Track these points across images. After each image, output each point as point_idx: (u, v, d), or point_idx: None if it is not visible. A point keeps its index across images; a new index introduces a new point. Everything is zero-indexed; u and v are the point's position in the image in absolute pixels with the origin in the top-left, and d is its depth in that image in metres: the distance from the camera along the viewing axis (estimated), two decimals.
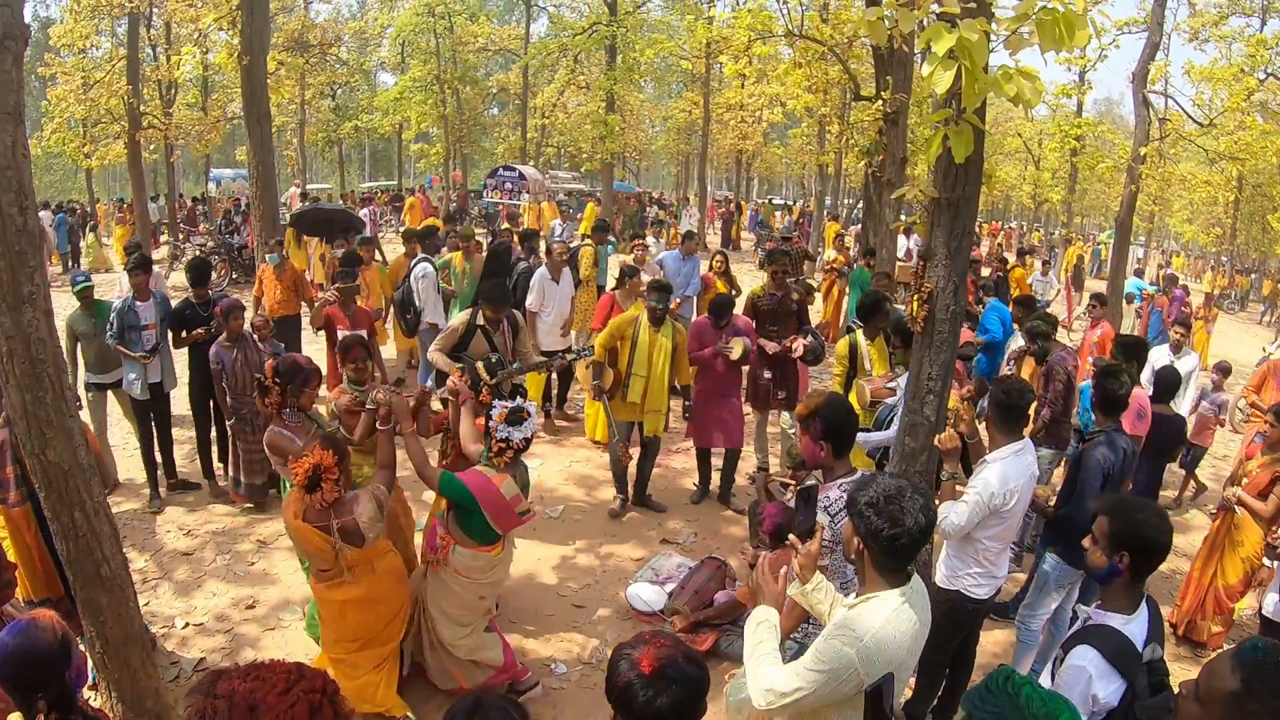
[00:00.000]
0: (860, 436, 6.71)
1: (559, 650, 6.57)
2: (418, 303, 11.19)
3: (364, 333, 9.26)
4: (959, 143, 4.81)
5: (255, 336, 8.71)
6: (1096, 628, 3.56)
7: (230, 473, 8.89)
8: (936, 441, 5.36)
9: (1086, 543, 3.78)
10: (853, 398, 7.93)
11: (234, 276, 21.44)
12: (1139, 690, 3.42)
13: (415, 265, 11.55)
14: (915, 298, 5.51)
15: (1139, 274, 26.59)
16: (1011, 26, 4.50)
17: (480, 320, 8.01)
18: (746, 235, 39.33)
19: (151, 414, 9.09)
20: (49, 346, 4.71)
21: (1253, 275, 42.19)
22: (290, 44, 30.56)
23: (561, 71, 39.83)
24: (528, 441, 5.63)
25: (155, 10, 23.36)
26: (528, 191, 28.93)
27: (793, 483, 7.60)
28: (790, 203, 52.53)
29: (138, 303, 8.88)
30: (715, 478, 9.58)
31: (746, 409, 9.72)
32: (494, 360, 7.81)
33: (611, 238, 14.90)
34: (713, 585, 6.92)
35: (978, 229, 35.19)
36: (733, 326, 8.88)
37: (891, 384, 7.72)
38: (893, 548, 3.20)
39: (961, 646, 5.74)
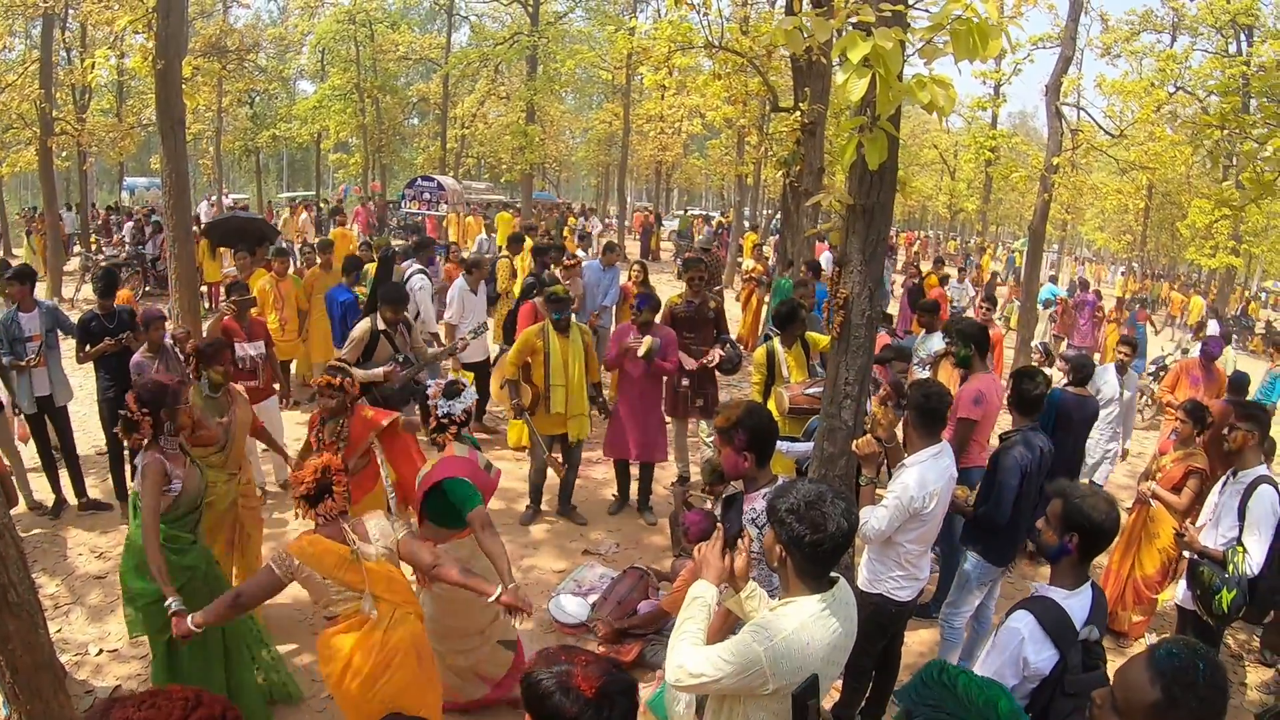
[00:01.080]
0: (784, 446, 6.87)
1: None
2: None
3: (261, 344, 9.24)
4: (873, 149, 4.81)
5: (176, 348, 8.53)
6: (1038, 598, 3.80)
7: None
8: (854, 447, 5.38)
9: (1040, 524, 3.99)
10: (771, 405, 7.99)
11: (147, 288, 20.99)
12: (1071, 664, 3.61)
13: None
14: (830, 303, 5.57)
15: (1053, 280, 27.14)
16: (926, 36, 4.53)
17: (381, 325, 8.24)
18: (666, 245, 39.46)
19: (49, 429, 8.98)
20: None
21: (1162, 280, 43.10)
22: (208, 49, 29.98)
23: (482, 81, 39.61)
24: (468, 414, 5.74)
25: (70, 11, 22.82)
26: (446, 202, 28.72)
27: (711, 496, 7.57)
28: (719, 214, 52.74)
29: (21, 314, 8.67)
30: (633, 488, 9.57)
31: (668, 420, 9.70)
32: (401, 359, 7.96)
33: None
34: (635, 595, 6.91)
35: (894, 238, 35.77)
36: (654, 331, 8.83)
37: (811, 390, 7.79)
38: (815, 554, 3.21)
39: (886, 649, 5.79)
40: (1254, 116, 9.30)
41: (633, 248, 36.64)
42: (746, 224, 34.62)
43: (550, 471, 8.74)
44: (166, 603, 4.86)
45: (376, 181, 40.64)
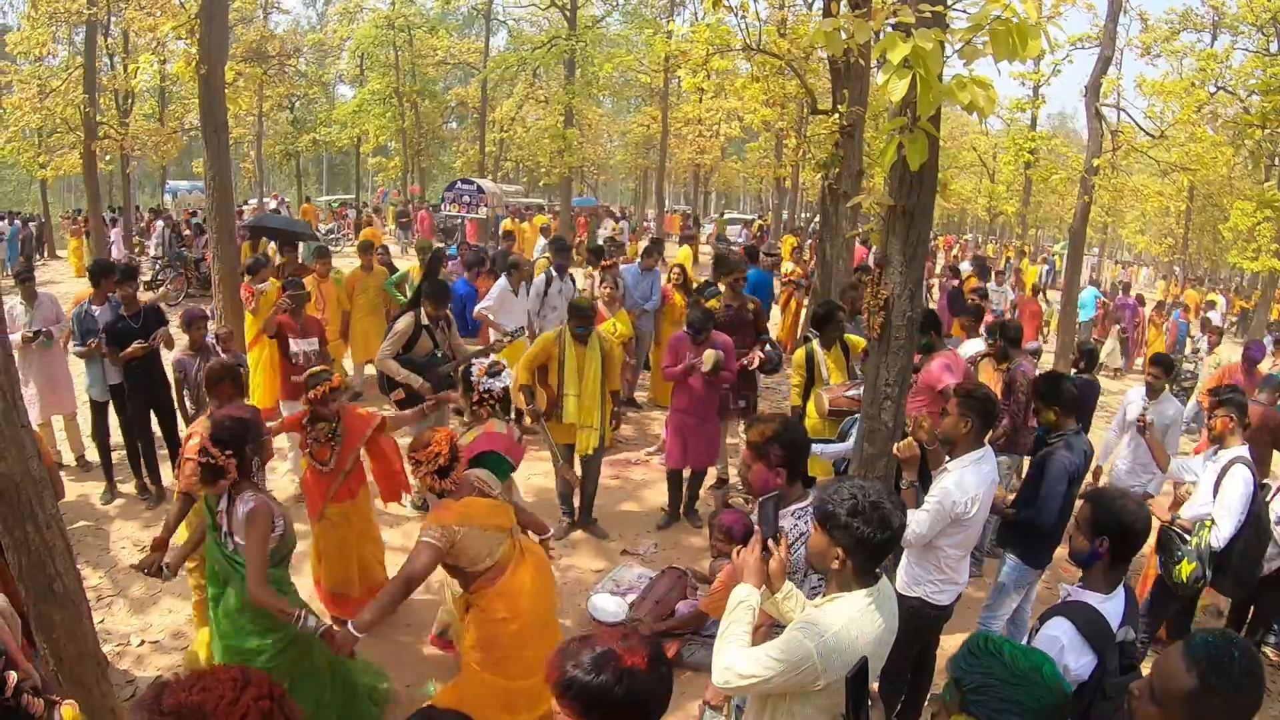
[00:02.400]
0: (819, 448, 6.84)
1: None
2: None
3: (315, 341, 9.26)
4: (914, 150, 4.83)
5: (219, 346, 8.63)
6: (1073, 603, 3.80)
7: None
8: (895, 450, 5.34)
9: (1070, 529, 4.05)
10: (811, 407, 8.12)
11: (190, 290, 21.26)
12: (1109, 667, 3.61)
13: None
14: (871, 305, 5.51)
15: (1094, 283, 26.91)
16: (966, 37, 4.53)
17: (424, 320, 8.32)
18: (705, 249, 39.40)
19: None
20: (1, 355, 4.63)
21: (1205, 284, 42.61)
22: (249, 55, 30.28)
23: (520, 85, 39.82)
24: (506, 391, 6.07)
25: (113, 19, 23.08)
26: (486, 205, 28.81)
27: (752, 498, 7.54)
28: (755, 216, 52.63)
29: (93, 307, 8.99)
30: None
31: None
32: (439, 356, 8.01)
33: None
34: (674, 595, 6.93)
35: (933, 241, 35.56)
36: (710, 340, 8.69)
37: (851, 392, 7.79)
38: (880, 552, 3.24)
39: (922, 653, 5.77)
40: None
41: (672, 250, 36.58)
42: (784, 227, 34.53)
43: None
44: (305, 625, 4.68)
45: (416, 185, 40.83)
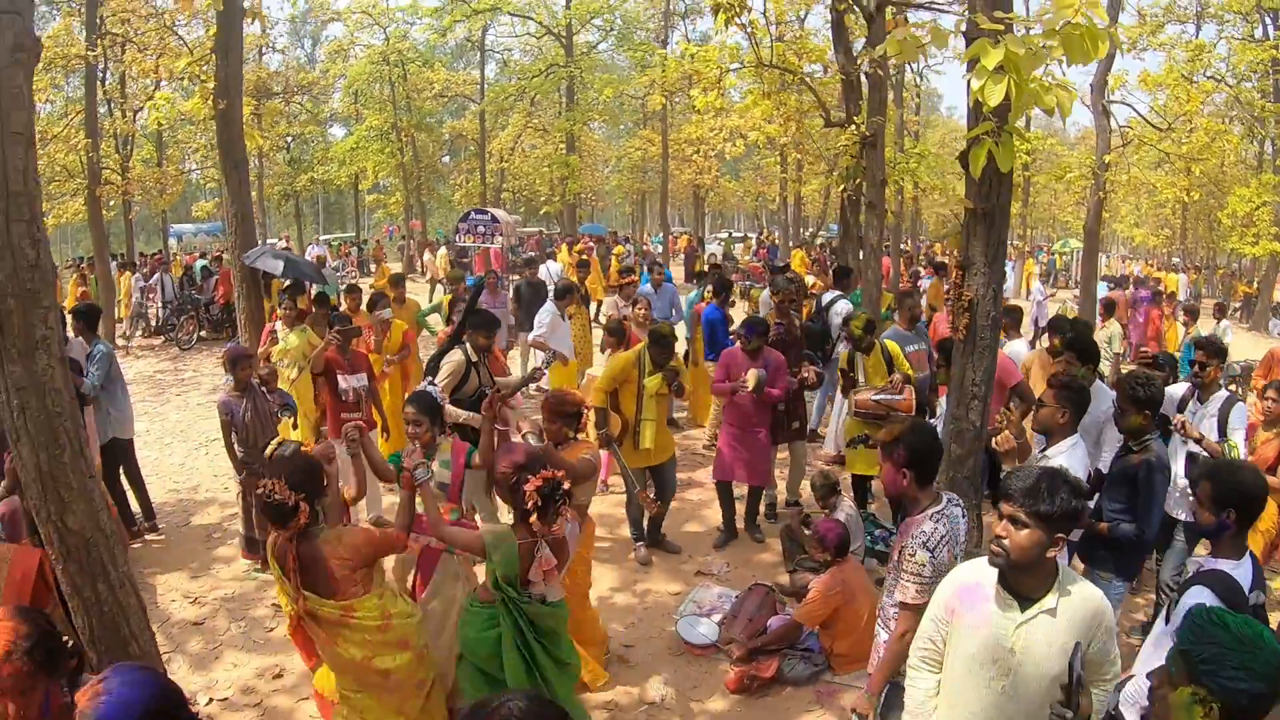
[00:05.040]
0: None
1: (618, 694, 6.26)
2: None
3: (364, 376, 8.93)
4: (1005, 154, 5.03)
5: (264, 387, 8.36)
6: (1209, 572, 3.99)
7: (243, 530, 8.42)
8: (996, 443, 5.35)
9: (1193, 506, 4.33)
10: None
11: (201, 334, 21.09)
12: None
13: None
14: (956, 306, 5.66)
15: (1105, 279, 26.96)
16: (1040, 41, 4.76)
17: (472, 355, 7.83)
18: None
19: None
20: (65, 398, 4.33)
21: (1203, 271, 42.80)
22: (254, 93, 30.25)
23: (517, 115, 39.75)
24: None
25: (111, 64, 22.99)
26: (501, 234, 28.65)
27: (825, 510, 7.57)
28: (752, 234, 52.68)
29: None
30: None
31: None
32: (488, 392, 7.63)
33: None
34: (764, 612, 6.77)
35: (937, 247, 35.66)
36: (763, 356, 8.57)
37: (878, 396, 8.25)
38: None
39: None
40: None
41: (676, 272, 36.49)
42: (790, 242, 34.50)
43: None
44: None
45: (416, 220, 40.62)
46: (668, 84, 30.68)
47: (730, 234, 55.08)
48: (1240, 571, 3.96)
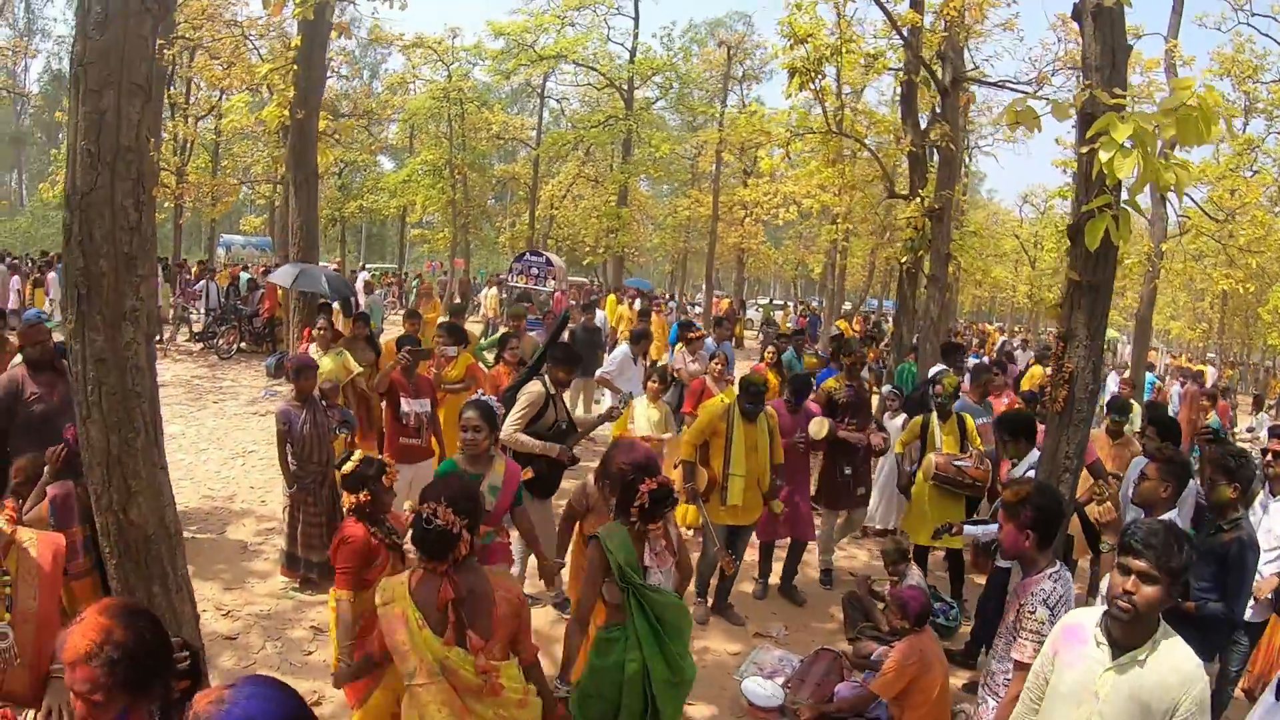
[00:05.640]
0: (971, 529, 6.91)
1: None
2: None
3: (426, 401, 8.72)
4: (1123, 227, 5.09)
5: (324, 401, 8.19)
6: None
7: (285, 546, 8.13)
8: (1097, 514, 5.55)
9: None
10: (920, 473, 8.59)
11: (242, 345, 21.07)
12: None
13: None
14: (1056, 379, 5.66)
15: (1149, 368, 27.01)
16: (1160, 120, 4.75)
17: (551, 389, 7.56)
18: (750, 334, 39.15)
19: None
20: (147, 380, 4.13)
21: (1239, 366, 42.80)
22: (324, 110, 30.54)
23: (571, 162, 39.96)
24: None
25: (177, 68, 23.21)
26: (554, 278, 28.70)
27: (893, 577, 7.44)
28: (787, 303, 52.72)
29: None
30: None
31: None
32: (564, 426, 7.46)
33: None
34: (832, 677, 6.62)
35: (985, 328, 35.68)
36: (805, 411, 8.72)
37: (960, 462, 8.23)
38: None
39: None
40: None
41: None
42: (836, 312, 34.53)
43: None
44: None
45: (460, 259, 40.57)
46: (733, 143, 30.85)
47: (771, 300, 55.16)
48: None
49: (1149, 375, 23.37)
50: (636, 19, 36.72)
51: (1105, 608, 3.47)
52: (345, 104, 32.13)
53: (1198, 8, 41.36)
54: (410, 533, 4.11)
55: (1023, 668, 4.12)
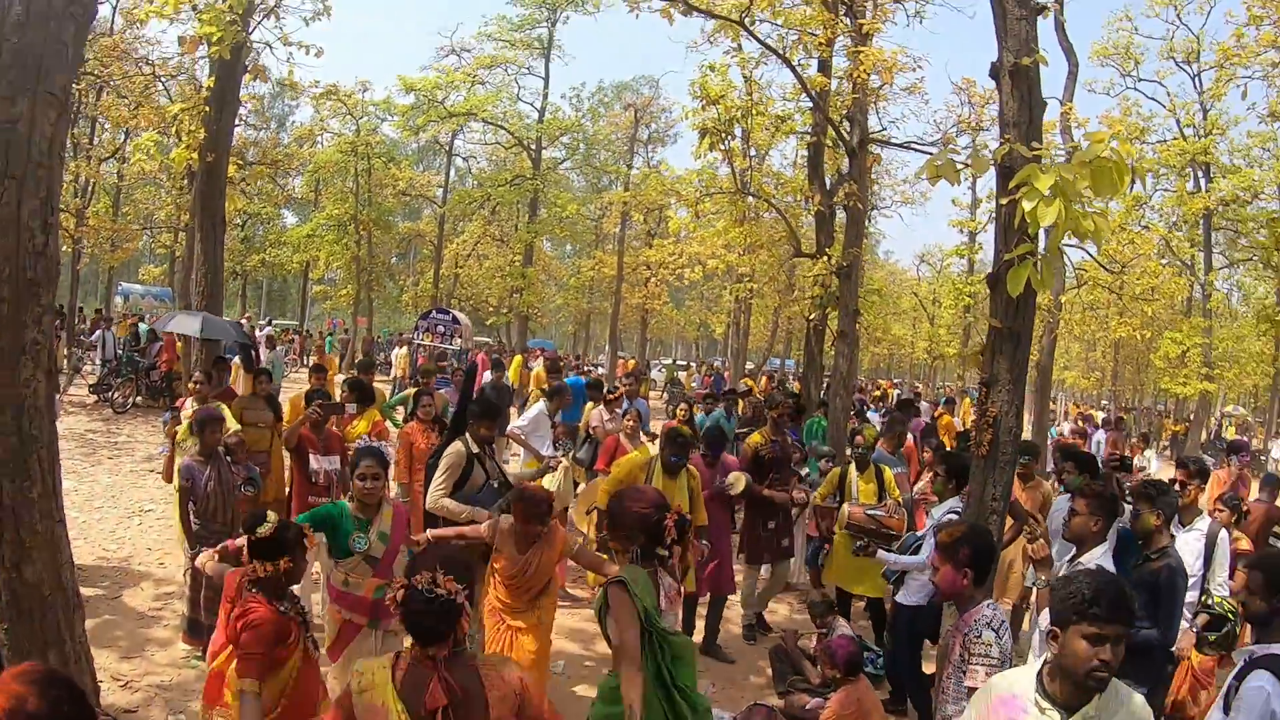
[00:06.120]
0: (886, 555, 7.40)
1: None
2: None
3: (336, 459, 8.45)
4: (1046, 275, 5.23)
5: (229, 457, 7.82)
6: (1266, 656, 4.07)
7: (187, 611, 7.59)
8: (1032, 550, 5.43)
9: (1243, 595, 4.49)
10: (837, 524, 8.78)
11: (138, 399, 20.38)
12: None
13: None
14: (980, 422, 5.82)
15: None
16: (1076, 171, 4.93)
17: (474, 447, 7.24)
18: (655, 394, 39.27)
19: None
20: (46, 423, 3.82)
21: (1133, 413, 44.47)
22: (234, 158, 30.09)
23: (477, 221, 39.94)
24: None
25: (83, 105, 22.67)
26: (460, 335, 28.55)
27: (821, 629, 7.52)
28: (689, 363, 53.09)
29: None
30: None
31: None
32: (497, 485, 7.21)
33: None
34: None
35: (877, 385, 36.60)
36: (722, 465, 8.69)
37: (873, 511, 8.36)
38: None
39: None
40: None
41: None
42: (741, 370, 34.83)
43: None
44: None
45: (363, 317, 40.08)
46: (640, 203, 31.14)
47: (674, 360, 55.50)
48: None
49: (1052, 429, 24.22)
50: (546, 79, 37.04)
51: (1035, 669, 3.43)
52: (253, 152, 31.64)
53: (1089, 74, 43.50)
54: (400, 611, 3.48)
55: None
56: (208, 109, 11.22)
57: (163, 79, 24.50)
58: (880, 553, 7.35)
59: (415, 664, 3.43)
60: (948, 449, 10.00)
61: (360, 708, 3.41)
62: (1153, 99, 34.34)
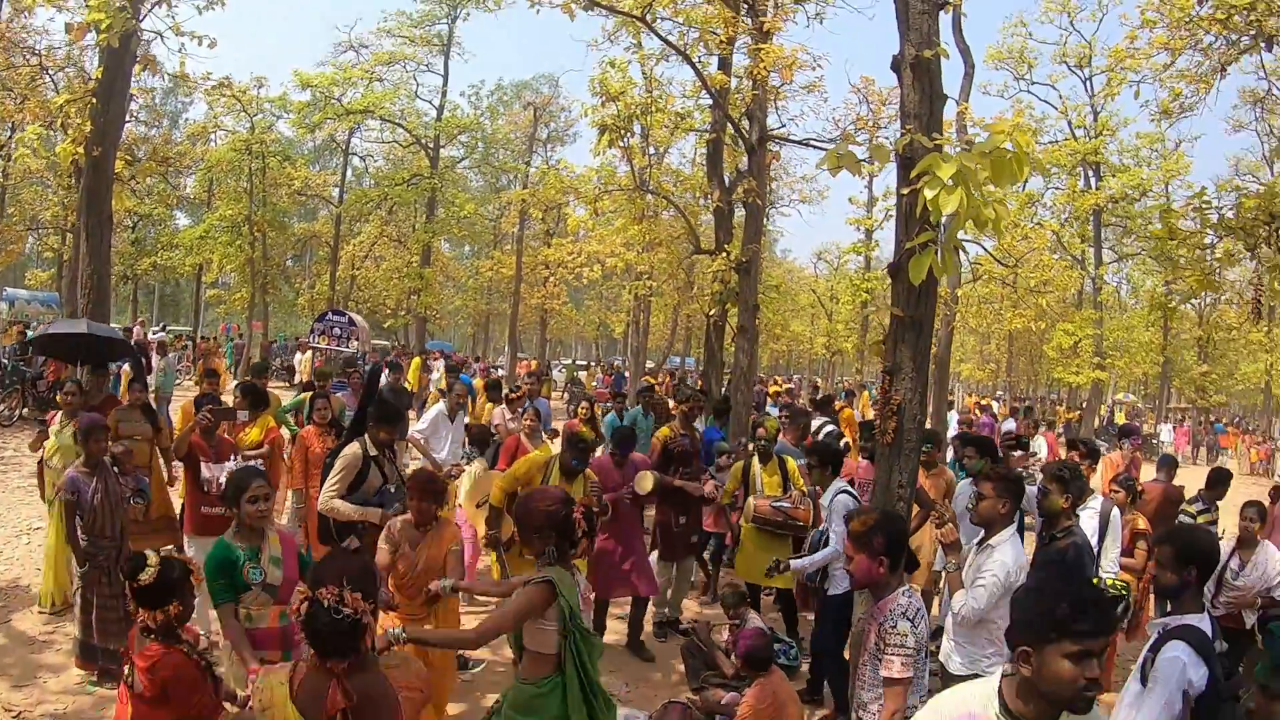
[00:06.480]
0: (798, 563, 7.50)
1: None
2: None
3: (230, 466, 7.97)
4: (947, 263, 5.32)
5: (116, 467, 7.51)
6: (1181, 627, 4.21)
7: (79, 634, 7.27)
8: (940, 535, 5.56)
9: (1153, 569, 4.80)
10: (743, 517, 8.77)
11: (24, 410, 19.67)
12: (1217, 675, 4.07)
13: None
14: (884, 410, 5.87)
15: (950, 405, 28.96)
16: (977, 160, 5.01)
17: (372, 450, 7.13)
18: (556, 394, 39.23)
19: None
20: None
21: (1027, 402, 45.86)
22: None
23: (374, 222, 39.59)
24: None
25: None
26: (357, 338, 28.20)
27: (735, 622, 7.50)
28: (590, 362, 53.15)
29: None
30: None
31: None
32: (393, 490, 7.10)
33: None
34: None
35: (777, 381, 37.09)
36: (631, 463, 8.59)
37: (779, 504, 8.45)
38: None
39: None
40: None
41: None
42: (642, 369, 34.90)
43: None
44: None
45: (258, 322, 39.19)
46: (539, 201, 31.06)
47: (574, 360, 55.57)
48: (1204, 624, 4.24)
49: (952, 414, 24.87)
50: (446, 77, 36.98)
51: (992, 686, 3.08)
52: (144, 149, 30.72)
53: (984, 77, 45.07)
54: (304, 626, 3.41)
55: (894, 684, 4.25)
56: (94, 101, 10.89)
57: (50, 71, 23.79)
58: (793, 563, 7.50)
59: (311, 674, 3.40)
60: (814, 441, 10.16)
61: None
62: (1045, 101, 36.58)
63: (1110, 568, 7.37)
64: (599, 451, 10.11)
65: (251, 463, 8.66)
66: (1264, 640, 3.12)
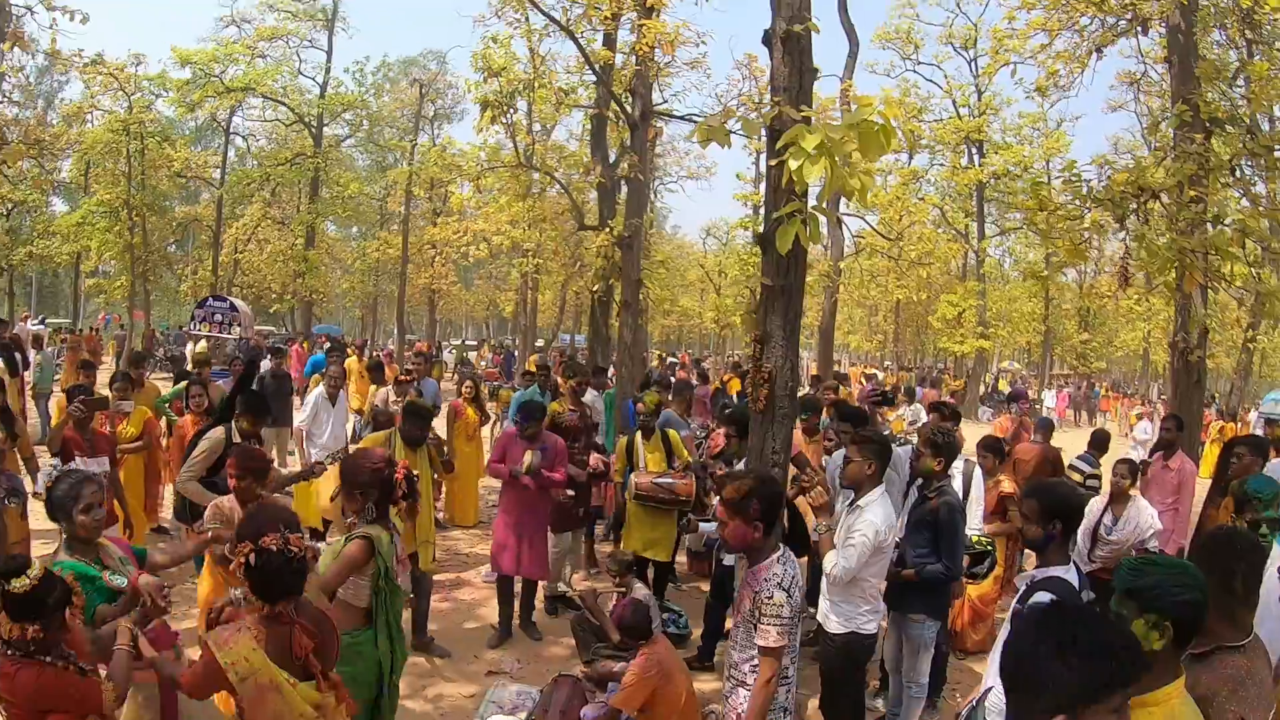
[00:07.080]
0: (706, 525, 8.05)
1: None
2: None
3: (105, 460, 7.96)
4: (813, 231, 5.31)
5: None
6: (1046, 579, 4.38)
7: None
8: (811, 499, 5.82)
9: (1018, 522, 4.97)
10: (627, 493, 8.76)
11: None
12: None
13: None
14: (755, 379, 5.83)
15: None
16: (844, 132, 4.99)
17: (236, 438, 7.14)
18: (447, 376, 39.03)
19: None
20: None
21: (912, 372, 46.97)
22: None
23: (257, 204, 38.70)
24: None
25: None
26: (239, 324, 27.63)
27: (622, 589, 7.52)
28: (487, 341, 52.91)
29: None
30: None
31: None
32: None
33: None
34: (576, 702, 6.52)
35: (676, 357, 37.40)
36: (541, 441, 8.41)
37: (661, 480, 8.48)
38: None
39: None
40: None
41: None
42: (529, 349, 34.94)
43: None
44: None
45: (140, 311, 38.00)
46: (423, 178, 30.80)
47: (464, 340, 55.21)
48: (1070, 575, 4.40)
49: None
50: (329, 53, 36.55)
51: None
52: (16, 130, 29.43)
53: (870, 56, 46.20)
54: (254, 575, 3.52)
55: (769, 653, 4.41)
56: None
57: None
58: (701, 525, 8.10)
59: (269, 624, 3.55)
60: (728, 410, 10.25)
61: (251, 694, 3.47)
62: (931, 81, 37.79)
63: (975, 524, 7.78)
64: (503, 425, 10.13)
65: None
66: (1115, 575, 3.25)
